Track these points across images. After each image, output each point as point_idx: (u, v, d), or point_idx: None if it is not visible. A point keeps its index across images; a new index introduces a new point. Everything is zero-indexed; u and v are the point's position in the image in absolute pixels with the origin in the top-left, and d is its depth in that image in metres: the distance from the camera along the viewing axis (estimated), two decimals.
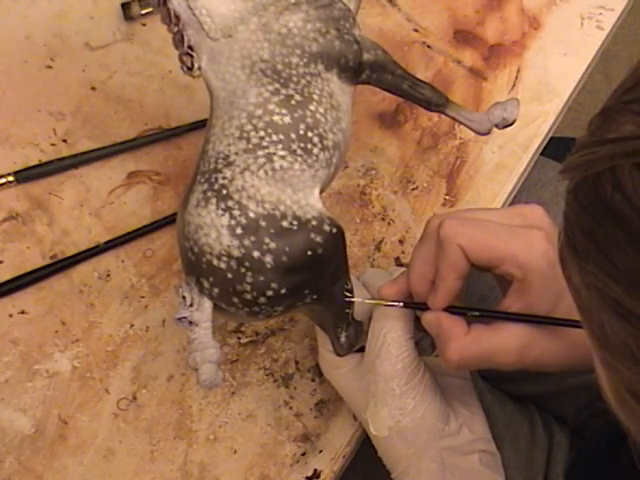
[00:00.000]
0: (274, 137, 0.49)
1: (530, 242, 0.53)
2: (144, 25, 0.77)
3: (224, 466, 0.62)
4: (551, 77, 0.79)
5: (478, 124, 0.61)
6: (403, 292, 0.56)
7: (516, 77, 0.79)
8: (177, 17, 0.52)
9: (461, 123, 0.61)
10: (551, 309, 0.53)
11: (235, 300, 0.48)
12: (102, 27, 0.76)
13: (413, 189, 0.73)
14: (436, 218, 0.55)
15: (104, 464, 0.61)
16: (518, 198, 0.77)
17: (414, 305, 0.56)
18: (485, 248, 0.53)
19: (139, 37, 0.76)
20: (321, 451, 0.63)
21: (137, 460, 0.61)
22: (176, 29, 0.52)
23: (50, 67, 0.73)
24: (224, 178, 0.48)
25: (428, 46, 0.80)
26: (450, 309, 0.54)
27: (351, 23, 0.55)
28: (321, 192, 0.52)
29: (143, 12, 0.76)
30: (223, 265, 0.47)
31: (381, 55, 0.57)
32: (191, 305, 0.49)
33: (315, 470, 0.62)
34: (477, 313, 0.54)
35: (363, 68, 0.56)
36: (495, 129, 0.61)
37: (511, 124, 0.61)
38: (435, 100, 0.60)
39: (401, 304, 0.56)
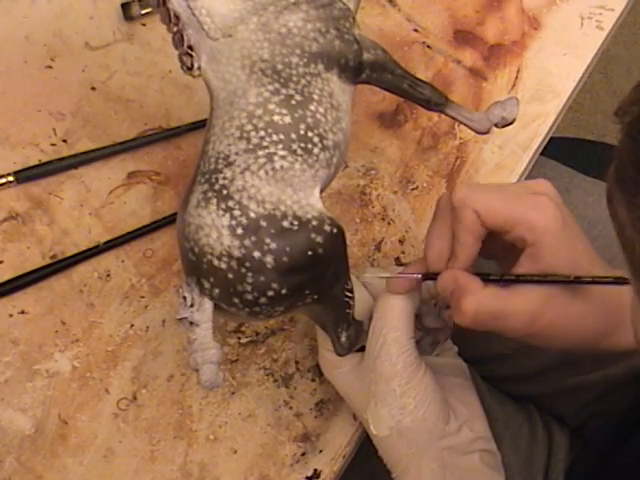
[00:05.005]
0: (274, 137, 0.49)
1: (540, 205, 0.53)
2: (144, 25, 0.77)
3: (224, 466, 0.62)
4: (551, 77, 0.79)
5: (478, 123, 0.61)
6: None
7: (516, 77, 0.79)
8: (177, 17, 0.52)
9: (461, 122, 0.61)
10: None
11: (236, 300, 0.48)
12: (102, 27, 0.76)
13: (413, 189, 0.73)
14: (446, 194, 0.56)
15: (104, 464, 0.61)
16: None
17: (432, 275, 0.56)
18: (498, 210, 0.53)
19: (139, 37, 0.76)
20: (321, 451, 0.63)
21: (137, 460, 0.61)
22: (176, 29, 0.52)
23: (50, 67, 0.73)
24: (224, 178, 0.48)
25: (428, 46, 0.80)
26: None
27: (351, 23, 0.55)
28: (321, 192, 0.52)
29: (143, 12, 0.76)
30: (224, 265, 0.47)
31: (381, 55, 0.57)
32: (192, 306, 0.49)
33: (315, 470, 0.62)
34: (495, 277, 0.54)
35: (363, 68, 0.56)
36: (495, 128, 0.61)
37: (510, 123, 0.61)
38: (435, 99, 0.60)
39: (419, 276, 0.56)
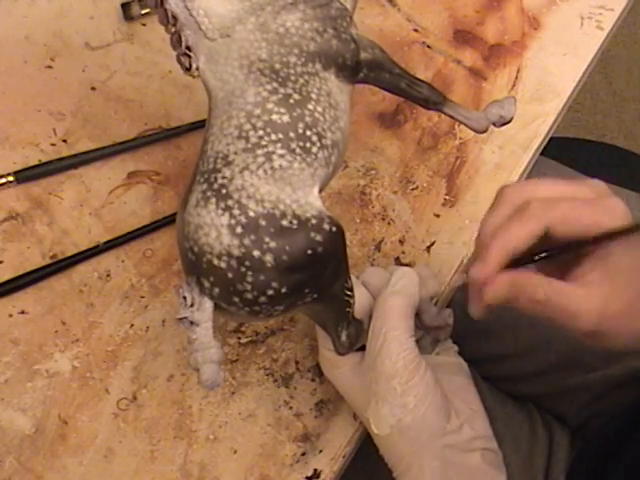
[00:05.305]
0: (273, 136, 0.49)
1: (613, 209, 0.52)
2: (144, 25, 0.77)
3: (224, 466, 0.62)
4: (551, 77, 0.79)
5: (476, 122, 0.61)
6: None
7: (516, 77, 0.79)
8: (175, 18, 0.52)
9: (459, 121, 0.62)
10: (630, 279, 0.51)
11: (236, 299, 0.48)
12: (102, 27, 0.76)
13: (413, 189, 0.73)
14: (511, 188, 0.54)
15: (104, 464, 0.61)
16: None
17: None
18: (573, 222, 0.51)
19: (139, 37, 0.76)
20: (321, 451, 0.63)
21: (137, 460, 0.61)
22: (174, 30, 0.52)
23: (50, 67, 0.73)
24: (223, 177, 0.48)
25: (428, 46, 0.80)
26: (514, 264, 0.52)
27: (348, 22, 0.55)
28: (320, 191, 0.52)
29: (143, 12, 0.76)
30: (223, 264, 0.47)
31: (378, 54, 0.57)
32: (192, 305, 0.49)
33: (315, 470, 0.62)
34: (543, 254, 0.52)
35: (361, 67, 0.56)
36: (495, 128, 0.61)
37: (508, 122, 0.61)
38: (433, 98, 0.60)
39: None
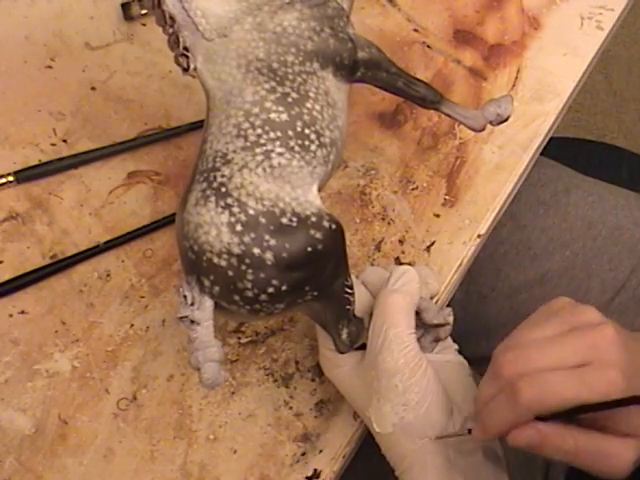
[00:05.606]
0: (272, 134, 0.49)
1: (599, 372, 0.49)
2: (144, 25, 0.77)
3: (224, 466, 0.61)
4: (551, 77, 0.79)
5: (473, 120, 0.61)
6: None
7: (516, 77, 0.79)
8: (172, 19, 0.52)
9: (456, 120, 0.62)
10: None
11: (236, 298, 0.48)
12: (102, 27, 0.76)
13: (413, 189, 0.73)
14: (503, 357, 0.52)
15: (104, 464, 0.61)
16: (518, 198, 0.77)
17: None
18: (560, 400, 0.49)
19: (139, 37, 0.76)
20: (321, 451, 0.62)
21: (137, 460, 0.61)
22: (171, 30, 0.52)
23: (50, 67, 0.73)
24: (223, 176, 0.48)
25: (428, 46, 0.80)
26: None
27: (345, 22, 0.55)
28: (319, 189, 0.52)
29: (143, 12, 0.76)
30: (223, 263, 0.47)
31: (375, 53, 0.57)
32: (192, 304, 0.49)
33: (315, 470, 0.62)
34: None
35: (358, 66, 0.56)
36: (495, 128, 0.61)
37: (505, 120, 0.61)
38: (430, 97, 0.60)
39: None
